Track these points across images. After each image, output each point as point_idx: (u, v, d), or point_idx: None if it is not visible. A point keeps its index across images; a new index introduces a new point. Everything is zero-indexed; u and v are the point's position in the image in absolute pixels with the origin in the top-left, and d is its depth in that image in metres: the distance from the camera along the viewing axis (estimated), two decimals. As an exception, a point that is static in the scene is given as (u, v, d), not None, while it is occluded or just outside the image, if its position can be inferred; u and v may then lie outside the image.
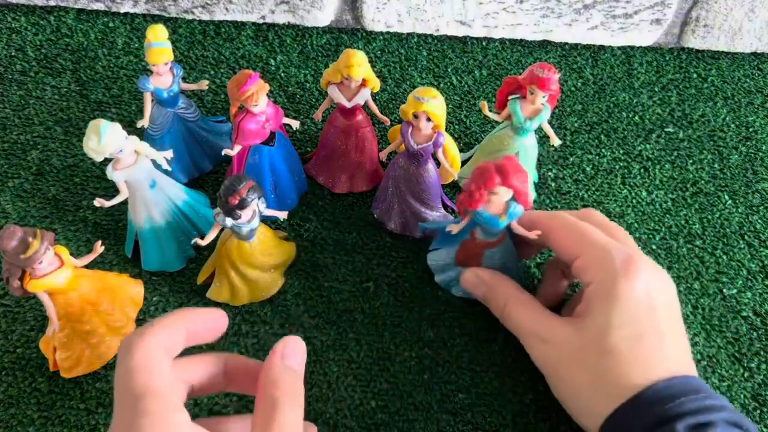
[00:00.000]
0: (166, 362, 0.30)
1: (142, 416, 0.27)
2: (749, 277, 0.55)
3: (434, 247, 0.52)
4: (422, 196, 0.52)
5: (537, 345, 0.42)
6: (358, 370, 0.48)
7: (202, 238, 0.45)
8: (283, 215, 0.47)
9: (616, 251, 0.40)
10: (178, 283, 0.51)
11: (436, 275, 0.52)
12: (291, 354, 0.33)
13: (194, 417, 0.44)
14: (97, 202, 0.46)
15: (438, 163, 0.52)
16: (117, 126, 0.43)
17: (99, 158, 0.43)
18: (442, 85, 0.68)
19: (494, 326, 0.50)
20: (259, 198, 0.43)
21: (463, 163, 0.58)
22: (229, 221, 0.43)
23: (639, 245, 0.56)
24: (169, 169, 0.48)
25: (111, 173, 0.45)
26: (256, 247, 0.47)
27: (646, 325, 0.38)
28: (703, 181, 0.62)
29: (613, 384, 0.37)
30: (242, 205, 0.41)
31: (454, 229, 0.46)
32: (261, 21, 0.71)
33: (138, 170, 0.45)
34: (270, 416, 0.30)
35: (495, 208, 0.43)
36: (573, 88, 0.69)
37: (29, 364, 0.46)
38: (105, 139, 0.41)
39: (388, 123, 0.56)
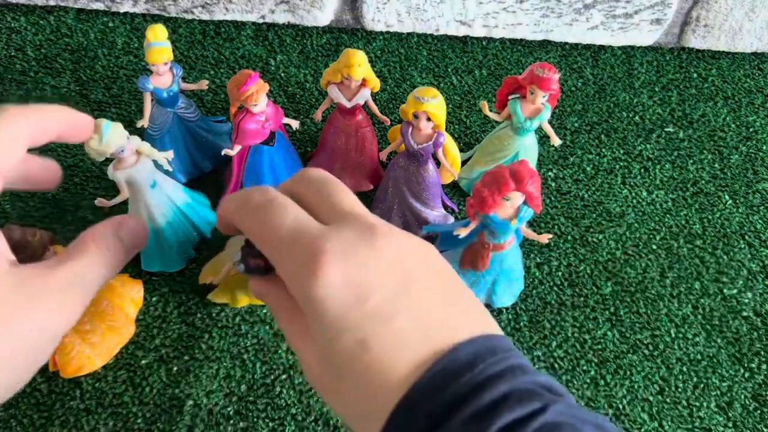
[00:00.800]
0: None
1: None
2: (750, 277, 0.55)
3: (437, 249, 0.52)
4: (422, 196, 0.52)
5: (302, 366, 0.32)
6: (358, 370, 0.48)
7: (203, 239, 0.45)
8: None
9: (297, 243, 0.29)
10: (177, 283, 0.51)
11: None
12: (128, 231, 0.33)
13: (194, 417, 0.44)
14: (98, 202, 0.46)
15: (438, 163, 0.52)
16: (118, 126, 0.43)
17: (100, 158, 0.43)
18: (442, 84, 0.68)
19: (494, 326, 0.50)
20: None
21: (463, 163, 0.58)
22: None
23: (640, 245, 0.56)
24: (170, 169, 0.48)
25: (112, 173, 0.45)
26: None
27: (363, 324, 0.28)
28: (703, 181, 0.62)
29: (364, 406, 0.28)
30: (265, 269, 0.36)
31: (463, 232, 0.46)
32: (261, 21, 0.71)
33: (139, 170, 0.45)
34: (75, 253, 0.31)
35: (506, 212, 0.43)
36: (573, 88, 0.69)
37: (29, 365, 0.46)
38: (106, 138, 0.41)
39: (388, 123, 0.56)
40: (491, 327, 0.29)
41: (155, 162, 0.47)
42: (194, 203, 0.51)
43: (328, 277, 0.28)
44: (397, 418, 0.26)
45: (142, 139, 0.54)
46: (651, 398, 0.48)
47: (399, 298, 0.29)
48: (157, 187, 0.47)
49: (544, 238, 0.45)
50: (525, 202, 0.43)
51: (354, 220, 0.30)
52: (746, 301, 0.54)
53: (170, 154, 0.47)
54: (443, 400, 0.25)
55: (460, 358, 0.26)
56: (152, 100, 0.52)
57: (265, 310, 0.50)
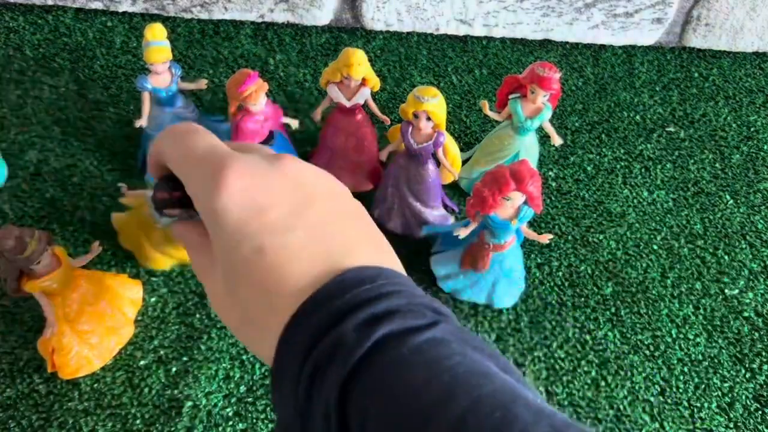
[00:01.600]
0: None
1: None
2: (751, 277, 0.55)
3: (437, 250, 0.52)
4: (422, 196, 0.52)
5: (208, 294, 0.34)
6: (357, 371, 0.47)
7: None
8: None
9: (206, 161, 0.30)
10: (176, 284, 0.51)
11: (441, 282, 0.51)
12: None
13: (192, 418, 0.44)
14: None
15: (438, 163, 0.52)
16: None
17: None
18: (442, 84, 0.68)
19: (494, 327, 0.50)
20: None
21: (464, 162, 0.58)
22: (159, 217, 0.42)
23: (641, 245, 0.56)
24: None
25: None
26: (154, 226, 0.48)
27: (262, 233, 0.29)
28: (704, 181, 0.62)
29: (265, 316, 0.29)
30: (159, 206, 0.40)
31: (463, 232, 0.46)
32: (260, 20, 0.71)
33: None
34: None
35: (507, 212, 0.43)
36: (574, 88, 0.69)
37: (27, 366, 0.46)
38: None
39: (388, 122, 0.56)
40: (387, 261, 0.31)
41: None
42: None
43: (230, 188, 0.29)
44: (296, 323, 0.27)
45: (140, 139, 0.54)
46: (652, 399, 0.47)
47: (298, 216, 0.30)
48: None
49: (545, 238, 0.45)
50: (525, 202, 0.43)
51: (262, 150, 0.33)
52: (747, 301, 0.53)
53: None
54: (338, 308, 0.26)
55: (354, 276, 0.28)
56: (151, 99, 0.52)
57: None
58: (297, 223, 0.30)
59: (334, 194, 0.32)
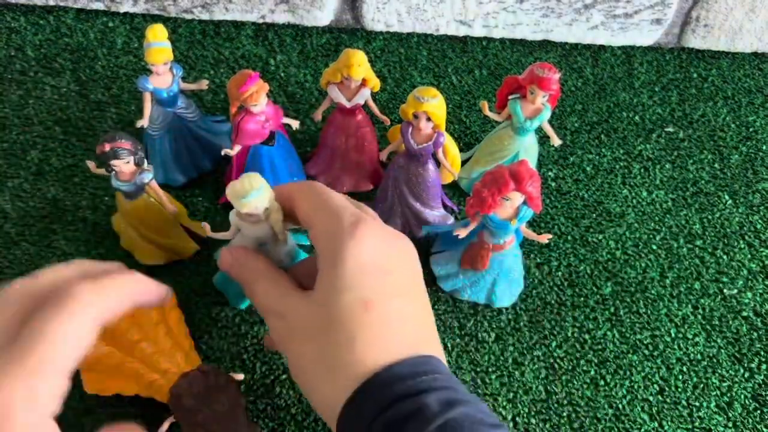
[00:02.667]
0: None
1: None
2: (750, 277, 0.55)
3: (437, 250, 0.52)
4: (422, 197, 0.52)
5: (274, 323, 0.36)
6: (358, 370, 0.48)
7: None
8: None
9: (347, 215, 0.34)
10: (177, 283, 0.51)
11: (440, 282, 0.51)
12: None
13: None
14: (204, 225, 0.45)
15: (438, 163, 0.52)
16: (266, 192, 0.39)
17: (236, 205, 0.39)
18: (442, 84, 0.68)
19: (494, 326, 0.50)
20: (137, 162, 0.45)
21: (463, 163, 0.58)
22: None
23: (640, 245, 0.56)
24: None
25: (232, 216, 0.42)
26: (133, 211, 0.48)
27: (375, 290, 0.32)
28: (703, 181, 0.62)
29: (342, 364, 0.31)
30: (105, 157, 0.43)
31: (462, 232, 0.46)
32: (260, 21, 0.71)
33: (251, 229, 0.42)
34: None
35: (506, 212, 0.43)
36: (573, 88, 0.69)
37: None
38: (249, 199, 0.38)
39: (388, 123, 0.56)
40: (439, 351, 0.35)
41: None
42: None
43: (363, 241, 0.33)
44: (378, 382, 0.30)
45: (142, 140, 0.54)
46: (651, 398, 0.48)
47: (406, 290, 0.34)
48: (263, 246, 0.43)
49: (544, 238, 0.45)
50: (525, 202, 0.43)
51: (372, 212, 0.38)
52: (746, 301, 0.54)
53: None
54: (419, 383, 0.30)
55: (436, 363, 0.32)
56: (152, 100, 0.52)
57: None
58: (403, 295, 0.34)
59: (422, 285, 0.37)
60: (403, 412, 0.29)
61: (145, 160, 0.46)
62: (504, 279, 0.49)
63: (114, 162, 0.44)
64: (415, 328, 0.34)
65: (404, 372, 0.30)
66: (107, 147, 0.44)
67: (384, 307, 0.32)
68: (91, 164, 0.47)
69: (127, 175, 0.46)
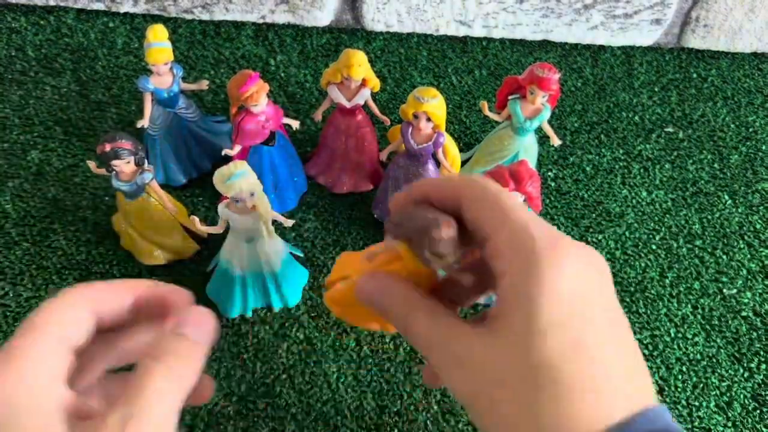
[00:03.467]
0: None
1: None
2: (749, 277, 0.55)
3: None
4: (422, 196, 0.52)
5: (451, 370, 0.29)
6: (358, 370, 0.48)
7: (269, 307, 0.48)
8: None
9: (541, 232, 0.28)
10: (178, 283, 0.51)
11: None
12: (190, 323, 0.27)
13: (194, 417, 0.44)
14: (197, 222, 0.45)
15: (438, 163, 0.52)
16: (250, 177, 0.42)
17: (221, 189, 0.42)
18: (442, 85, 0.68)
19: (494, 326, 0.50)
20: (137, 162, 0.45)
21: (463, 163, 0.58)
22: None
23: (639, 245, 0.56)
24: (289, 224, 0.47)
25: (220, 207, 0.44)
26: (133, 211, 0.48)
27: (580, 329, 0.26)
28: (703, 181, 0.62)
29: (552, 421, 0.26)
30: (106, 157, 0.44)
31: None
32: (261, 21, 0.71)
33: (241, 221, 0.44)
34: (134, 384, 0.24)
35: None
36: (573, 88, 0.69)
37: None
38: (233, 181, 0.41)
39: (388, 123, 0.56)
40: (652, 393, 0.28)
41: (275, 222, 0.46)
42: (283, 278, 0.48)
43: (565, 267, 0.26)
44: None
45: (142, 140, 0.54)
46: (650, 398, 0.48)
47: (614, 322, 0.27)
48: (252, 243, 0.45)
49: None
50: (524, 202, 0.43)
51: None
52: (746, 300, 0.54)
53: (289, 222, 0.47)
54: None
55: (662, 422, 0.26)
56: (152, 100, 0.52)
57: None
58: (614, 328, 0.27)
59: (620, 307, 0.29)
60: None
61: (146, 160, 0.46)
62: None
63: (114, 162, 0.44)
64: (633, 371, 0.27)
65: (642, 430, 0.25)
66: (108, 147, 0.44)
67: (598, 349, 0.26)
68: (91, 164, 0.47)
69: (128, 175, 0.46)
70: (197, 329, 0.27)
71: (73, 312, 0.26)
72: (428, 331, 0.30)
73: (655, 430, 0.25)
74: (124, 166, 0.45)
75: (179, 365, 0.25)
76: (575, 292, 0.27)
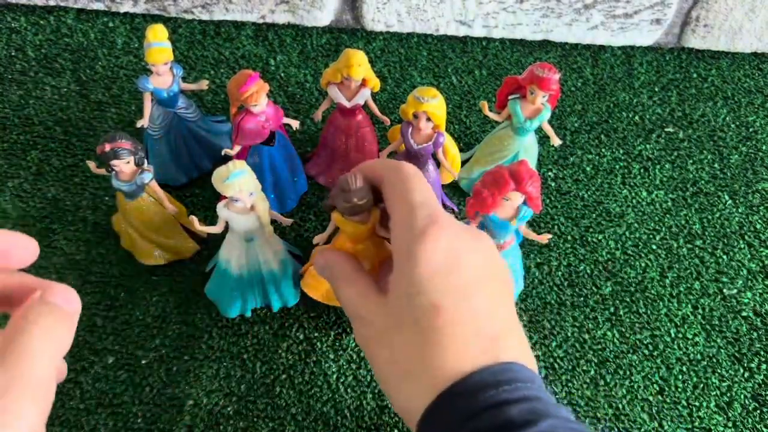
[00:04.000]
0: None
1: None
2: (749, 277, 0.55)
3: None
4: (422, 196, 0.52)
5: (357, 327, 0.36)
6: (358, 370, 0.48)
7: (267, 307, 0.49)
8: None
9: (423, 213, 0.33)
10: (177, 282, 0.51)
11: None
12: (57, 292, 0.27)
13: (194, 417, 0.44)
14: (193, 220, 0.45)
15: (438, 163, 0.52)
16: (250, 177, 0.42)
17: (220, 188, 0.42)
18: (442, 85, 0.68)
19: (494, 326, 0.50)
20: (137, 162, 0.45)
21: (463, 163, 0.58)
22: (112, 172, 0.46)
23: (639, 245, 0.56)
24: (288, 223, 0.47)
25: (219, 207, 0.44)
26: (133, 211, 0.48)
27: (446, 291, 0.32)
28: (703, 181, 0.62)
29: (418, 370, 0.31)
30: (106, 157, 0.44)
31: None
32: (261, 21, 0.71)
33: (240, 221, 0.44)
34: (11, 347, 0.24)
35: (506, 212, 0.43)
36: (573, 88, 0.69)
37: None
38: (232, 180, 0.41)
39: (388, 123, 0.56)
40: (529, 357, 0.34)
41: (275, 222, 0.46)
42: (279, 277, 0.48)
43: (435, 242, 0.33)
44: (455, 392, 0.30)
45: (142, 140, 0.54)
46: (651, 398, 0.48)
47: (477, 290, 0.33)
48: (251, 242, 0.46)
49: (544, 239, 0.45)
50: (525, 202, 0.43)
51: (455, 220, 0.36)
52: (746, 301, 0.54)
53: (288, 221, 0.47)
54: (503, 393, 0.29)
55: (517, 371, 0.31)
56: (152, 100, 0.52)
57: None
58: (475, 296, 0.33)
59: (504, 280, 0.36)
60: (487, 424, 0.28)
61: (145, 160, 0.46)
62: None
63: (114, 162, 0.44)
64: (491, 332, 0.32)
65: (481, 382, 0.30)
66: (108, 147, 0.44)
67: (456, 311, 0.32)
68: (91, 164, 0.47)
69: (128, 175, 0.46)
70: (65, 298, 0.27)
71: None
72: (348, 299, 0.37)
73: (504, 380, 0.30)
74: (124, 166, 0.45)
75: (56, 327, 0.25)
76: (441, 266, 0.32)
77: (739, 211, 0.60)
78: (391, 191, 0.36)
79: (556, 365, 0.49)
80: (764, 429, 0.47)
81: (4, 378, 0.23)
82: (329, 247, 0.43)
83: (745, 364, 0.50)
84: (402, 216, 0.34)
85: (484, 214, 0.43)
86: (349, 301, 0.37)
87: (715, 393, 0.48)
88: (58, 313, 0.26)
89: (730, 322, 0.52)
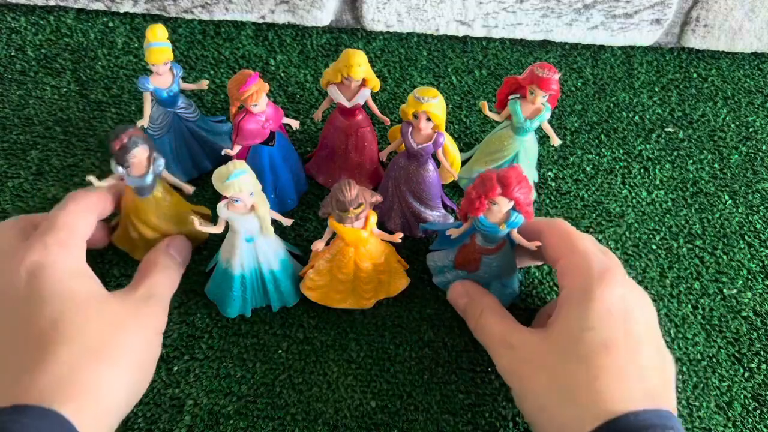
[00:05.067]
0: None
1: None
2: (749, 277, 0.55)
3: (434, 248, 0.52)
4: (422, 196, 0.52)
5: (503, 353, 0.40)
6: (358, 370, 0.48)
7: (269, 307, 0.49)
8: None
9: (597, 260, 0.39)
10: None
11: (435, 276, 0.52)
12: (172, 245, 0.47)
13: (194, 417, 0.44)
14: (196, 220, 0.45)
15: (438, 163, 0.52)
16: (250, 177, 0.42)
17: (220, 188, 0.42)
18: (442, 84, 0.68)
19: (494, 326, 0.50)
20: (150, 152, 0.45)
21: (463, 163, 0.58)
22: (120, 170, 0.44)
23: (639, 245, 0.56)
24: (288, 223, 0.47)
25: (219, 207, 0.44)
26: (150, 206, 0.47)
27: (618, 333, 0.36)
28: (703, 181, 0.62)
29: (582, 398, 0.34)
30: (125, 151, 0.43)
31: (454, 233, 0.46)
32: (261, 21, 0.71)
33: (241, 221, 0.44)
34: (145, 276, 0.44)
35: (495, 216, 0.43)
36: (573, 88, 0.69)
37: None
38: (232, 181, 0.41)
39: (388, 123, 0.56)
40: (671, 403, 0.37)
41: (274, 221, 0.46)
42: (281, 278, 0.48)
43: (611, 287, 0.37)
44: (609, 429, 0.32)
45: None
46: (651, 398, 0.48)
47: (646, 343, 0.37)
48: (252, 242, 0.46)
49: (533, 245, 0.44)
50: (515, 208, 0.43)
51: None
52: (746, 301, 0.54)
53: (288, 221, 0.47)
54: None
55: (666, 417, 0.34)
56: (152, 100, 0.52)
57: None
58: (645, 346, 0.36)
59: (660, 334, 0.40)
60: None
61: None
62: (496, 282, 0.49)
63: (134, 152, 0.43)
64: (654, 379, 0.36)
65: (648, 422, 0.32)
66: (125, 138, 0.43)
67: (626, 352, 0.35)
68: (92, 178, 0.46)
69: (142, 167, 0.45)
70: (177, 250, 0.48)
71: (86, 218, 0.44)
72: (493, 326, 0.42)
73: (664, 425, 0.32)
74: (142, 153, 0.44)
75: (170, 272, 0.46)
76: (616, 309, 0.36)
77: (739, 211, 0.60)
78: (554, 241, 0.42)
79: (556, 365, 0.49)
80: (764, 429, 0.47)
81: (147, 293, 0.43)
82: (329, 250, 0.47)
83: (745, 364, 0.50)
84: (574, 261, 0.39)
85: (473, 216, 0.43)
86: (497, 330, 0.41)
87: (715, 393, 0.48)
88: (171, 260, 0.47)
89: (730, 322, 0.52)
